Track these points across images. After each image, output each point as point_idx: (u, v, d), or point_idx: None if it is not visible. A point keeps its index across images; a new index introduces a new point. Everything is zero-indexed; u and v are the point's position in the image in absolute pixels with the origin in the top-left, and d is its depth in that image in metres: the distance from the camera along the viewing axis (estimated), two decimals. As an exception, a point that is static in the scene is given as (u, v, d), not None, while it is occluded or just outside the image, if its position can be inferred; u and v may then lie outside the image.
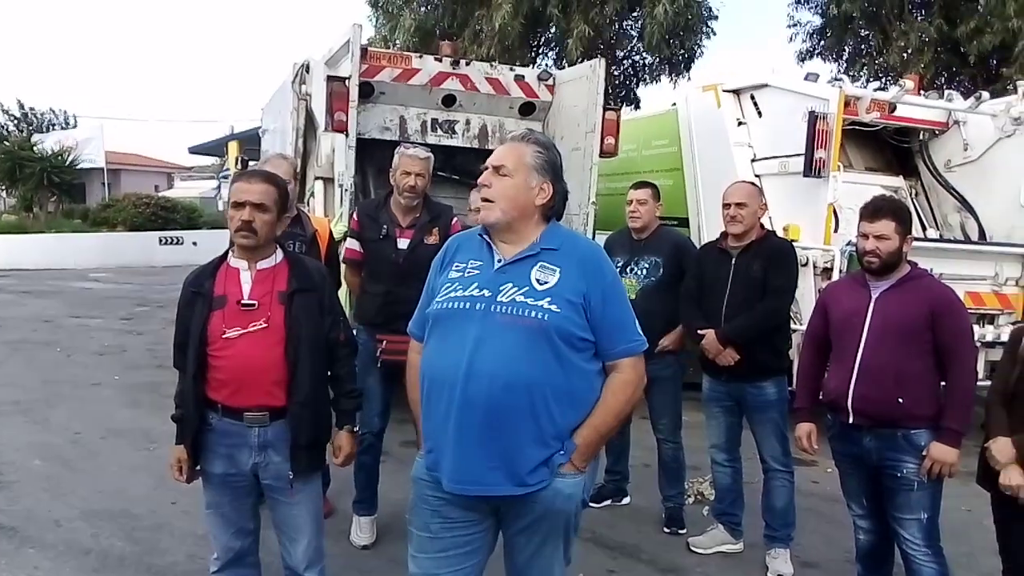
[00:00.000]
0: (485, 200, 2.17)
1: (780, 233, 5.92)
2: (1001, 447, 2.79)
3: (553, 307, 2.05)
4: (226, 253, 2.67)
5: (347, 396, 2.79)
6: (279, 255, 2.66)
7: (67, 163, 23.39)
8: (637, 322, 2.20)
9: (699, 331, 3.85)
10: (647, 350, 2.25)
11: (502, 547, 2.26)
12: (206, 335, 2.53)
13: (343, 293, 4.56)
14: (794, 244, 4.24)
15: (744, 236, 3.81)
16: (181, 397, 2.65)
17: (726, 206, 3.81)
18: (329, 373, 2.75)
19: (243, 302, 2.54)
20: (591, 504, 4.39)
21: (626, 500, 4.68)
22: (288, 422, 2.57)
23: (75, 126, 37.12)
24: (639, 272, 4.29)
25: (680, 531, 4.26)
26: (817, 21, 15.79)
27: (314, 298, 2.63)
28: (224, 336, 2.52)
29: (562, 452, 2.09)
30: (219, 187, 21.70)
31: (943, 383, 2.98)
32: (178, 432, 2.67)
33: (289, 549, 2.71)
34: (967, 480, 3.04)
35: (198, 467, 2.67)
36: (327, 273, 2.86)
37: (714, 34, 15.35)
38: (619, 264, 4.33)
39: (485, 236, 2.22)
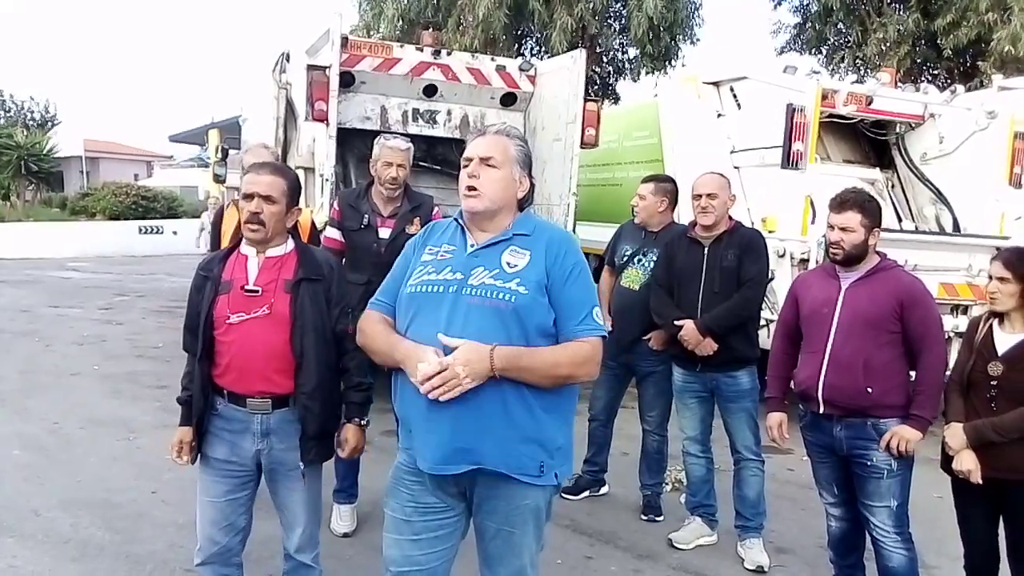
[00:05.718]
0: (472, 189, 2.17)
1: (758, 224, 6.00)
2: (953, 433, 2.88)
3: (521, 289, 2.07)
4: (240, 240, 2.70)
5: (355, 389, 2.76)
6: (289, 244, 2.68)
7: (45, 151, 23.17)
8: (600, 311, 2.20)
9: (676, 322, 3.86)
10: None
11: (474, 533, 2.28)
12: (212, 319, 2.56)
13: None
14: (772, 235, 4.27)
15: (714, 227, 3.85)
16: (189, 379, 2.67)
17: (696, 197, 3.83)
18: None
19: (247, 288, 2.56)
20: (568, 497, 4.47)
21: (604, 490, 4.70)
22: (297, 412, 2.58)
23: (55, 115, 36.84)
24: (647, 264, 4.25)
25: (657, 518, 4.31)
26: (795, 20, 15.98)
27: (320, 288, 2.63)
28: (228, 321, 2.55)
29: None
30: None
31: (912, 372, 3.04)
32: (183, 414, 2.68)
33: (286, 531, 2.76)
34: (939, 467, 3.10)
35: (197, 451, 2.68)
36: (336, 264, 2.84)
37: (698, 40, 15.60)
38: (627, 253, 4.35)
39: (460, 220, 2.25)
